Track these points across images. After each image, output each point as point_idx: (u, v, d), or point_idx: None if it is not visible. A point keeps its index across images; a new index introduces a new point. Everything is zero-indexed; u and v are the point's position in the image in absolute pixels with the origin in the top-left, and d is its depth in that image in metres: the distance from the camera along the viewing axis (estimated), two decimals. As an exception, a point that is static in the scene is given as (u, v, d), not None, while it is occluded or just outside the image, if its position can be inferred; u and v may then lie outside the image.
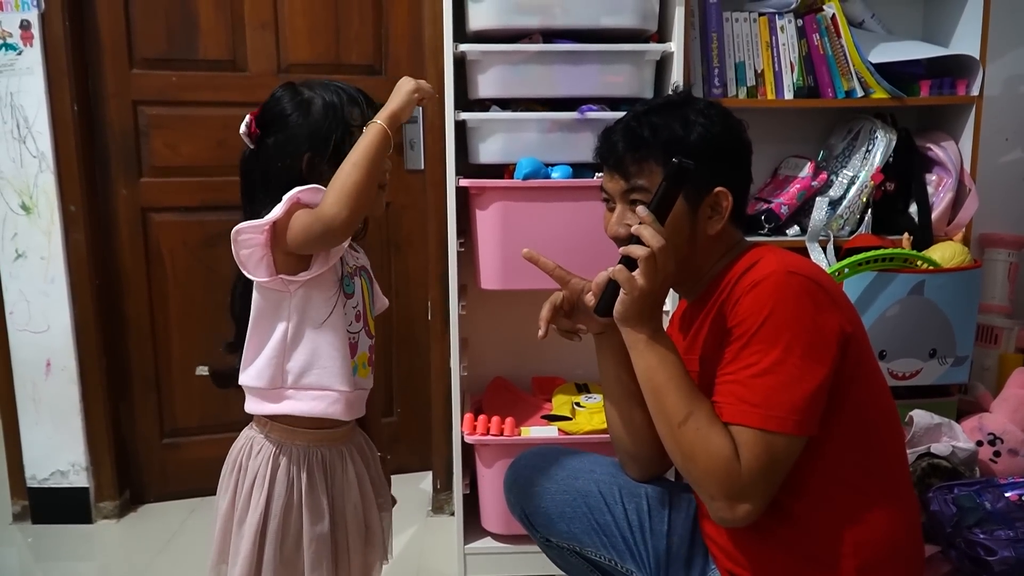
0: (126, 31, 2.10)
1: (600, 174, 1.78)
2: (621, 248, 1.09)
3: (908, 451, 1.78)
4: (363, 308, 1.23)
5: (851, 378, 1.07)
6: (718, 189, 1.13)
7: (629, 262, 1.06)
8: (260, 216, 1.09)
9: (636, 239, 1.08)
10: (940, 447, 1.77)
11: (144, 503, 2.31)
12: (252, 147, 1.17)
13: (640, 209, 1.07)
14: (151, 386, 2.26)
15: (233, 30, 2.17)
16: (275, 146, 1.15)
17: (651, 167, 1.13)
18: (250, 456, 1.17)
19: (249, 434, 1.21)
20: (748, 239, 1.23)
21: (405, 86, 1.14)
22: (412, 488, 2.37)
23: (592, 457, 1.43)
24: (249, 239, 1.09)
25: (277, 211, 1.08)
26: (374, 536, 1.27)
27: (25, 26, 1.96)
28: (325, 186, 1.11)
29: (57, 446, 2.16)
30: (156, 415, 2.28)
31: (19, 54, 1.97)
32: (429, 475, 2.30)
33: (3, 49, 1.96)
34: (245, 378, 1.17)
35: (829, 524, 1.07)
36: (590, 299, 1.19)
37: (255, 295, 1.16)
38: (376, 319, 1.19)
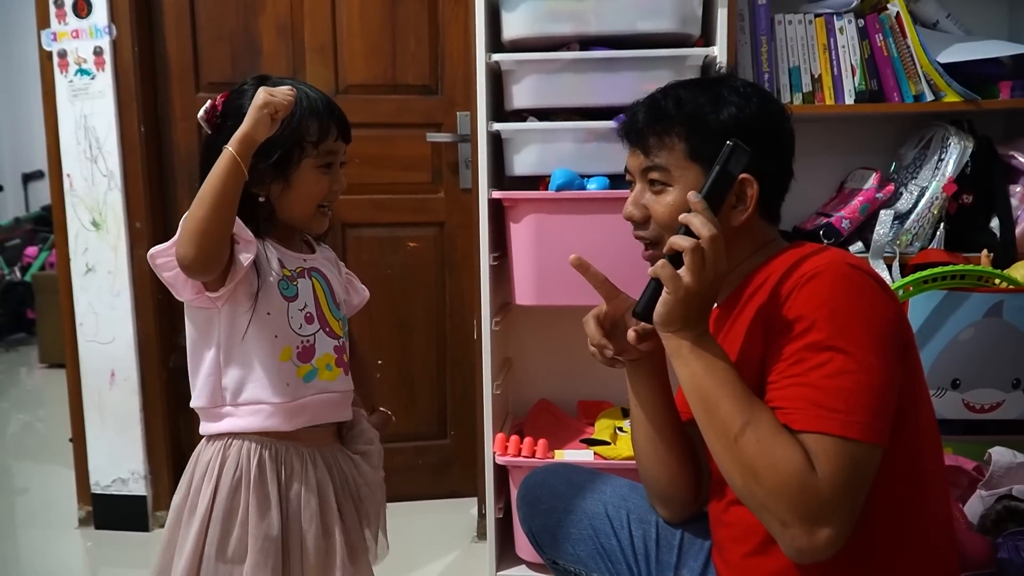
0: (193, 56, 2.21)
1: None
2: (668, 241, 0.97)
3: (985, 493, 1.58)
4: (316, 309, 1.19)
5: (910, 394, 0.94)
6: (743, 176, 1.01)
7: (674, 258, 0.95)
8: None
9: (644, 221, 1.02)
10: (1023, 488, 1.56)
11: (200, 514, 2.35)
12: (209, 132, 1.16)
13: (691, 195, 0.96)
14: (208, 399, 2.31)
15: (293, 54, 2.23)
16: (225, 140, 1.10)
17: (671, 143, 1.05)
18: (203, 449, 1.17)
19: None
20: None
21: (255, 101, 1.03)
22: (462, 513, 2.31)
23: (604, 477, 1.33)
24: (167, 262, 1.07)
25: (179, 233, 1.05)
26: (332, 555, 1.18)
27: (98, 52, 2.08)
28: (263, 189, 1.12)
29: (119, 454, 2.24)
30: (213, 428, 2.33)
31: (92, 79, 2.10)
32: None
33: (79, 74, 2.10)
34: (193, 400, 1.16)
35: (850, 566, 0.93)
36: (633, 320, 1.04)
37: (187, 319, 1.15)
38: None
